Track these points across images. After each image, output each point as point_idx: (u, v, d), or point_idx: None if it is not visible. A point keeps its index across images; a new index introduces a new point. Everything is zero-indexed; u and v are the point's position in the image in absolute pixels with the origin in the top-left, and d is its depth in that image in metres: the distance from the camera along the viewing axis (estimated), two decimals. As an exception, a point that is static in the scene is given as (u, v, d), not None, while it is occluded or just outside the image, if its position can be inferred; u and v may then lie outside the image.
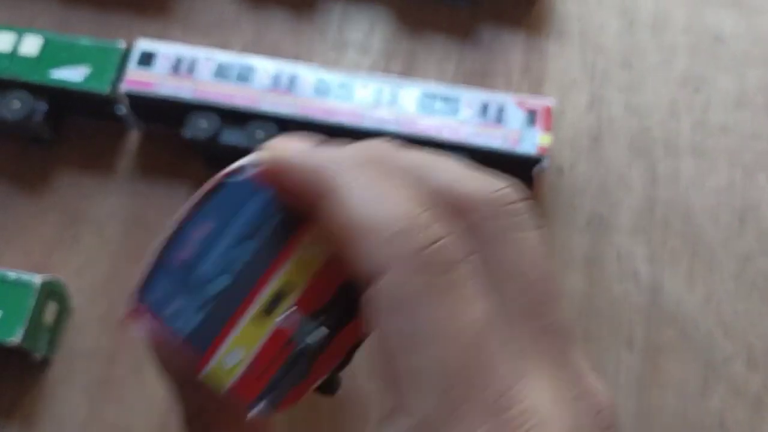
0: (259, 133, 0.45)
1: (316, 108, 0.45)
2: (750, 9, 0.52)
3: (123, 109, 0.48)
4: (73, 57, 0.48)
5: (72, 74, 0.47)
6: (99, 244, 0.47)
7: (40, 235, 0.48)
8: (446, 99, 0.45)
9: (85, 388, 0.44)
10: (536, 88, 0.51)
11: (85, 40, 0.48)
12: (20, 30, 0.49)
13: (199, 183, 0.52)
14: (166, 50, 0.48)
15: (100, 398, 0.44)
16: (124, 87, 0.47)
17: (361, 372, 0.43)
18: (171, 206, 0.48)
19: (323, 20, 0.53)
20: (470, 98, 0.45)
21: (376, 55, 0.52)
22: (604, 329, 0.44)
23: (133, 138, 0.50)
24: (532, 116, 0.45)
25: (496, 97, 0.45)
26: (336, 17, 0.53)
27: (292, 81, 0.46)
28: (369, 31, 0.53)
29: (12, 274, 0.42)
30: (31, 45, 0.48)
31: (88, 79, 0.47)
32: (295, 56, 0.52)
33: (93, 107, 0.49)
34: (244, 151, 0.46)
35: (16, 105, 0.47)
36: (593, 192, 0.48)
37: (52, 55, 0.48)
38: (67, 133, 0.51)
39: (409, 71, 0.51)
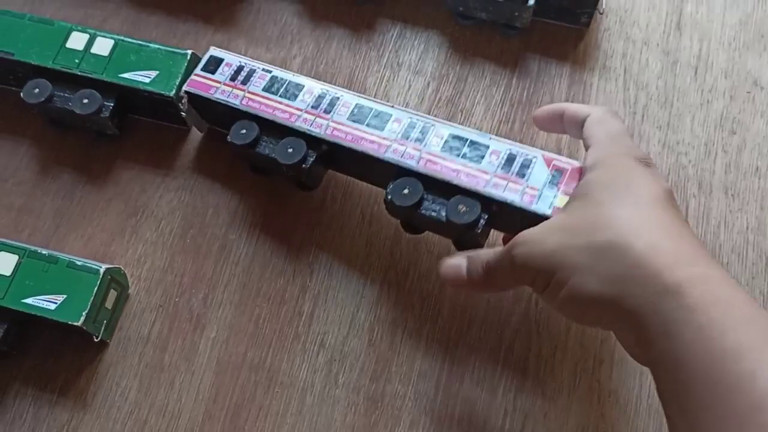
0: (289, 149, 0.46)
1: (345, 133, 0.46)
2: (789, 58, 0.54)
3: (183, 107, 0.51)
4: (141, 60, 0.51)
5: (140, 76, 0.50)
6: (156, 237, 0.50)
7: (102, 226, 0.51)
8: (474, 145, 0.44)
9: (137, 372, 0.47)
10: (578, 120, 0.53)
11: (154, 45, 0.51)
12: (93, 31, 0.52)
13: (253, 188, 0.56)
14: (231, 59, 0.50)
15: (151, 383, 0.46)
16: (186, 87, 0.50)
17: (395, 377, 0.46)
18: (226, 206, 0.51)
19: (380, 41, 0.56)
20: (499, 147, 0.44)
21: (428, 77, 0.54)
22: (629, 354, 0.46)
23: (194, 140, 0.53)
24: (557, 176, 0.42)
25: (526, 151, 0.43)
26: (392, 39, 0.56)
27: (332, 104, 0.47)
28: (423, 54, 0.55)
29: (79, 261, 0.45)
30: (102, 46, 0.51)
31: (154, 81, 0.50)
32: (351, 73, 0.55)
33: (157, 108, 0.52)
34: (274, 162, 0.47)
35: (85, 100, 0.50)
36: (627, 223, 0.50)
37: (122, 56, 0.51)
38: (131, 131, 0.54)
39: (458, 95, 0.54)
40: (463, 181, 0.43)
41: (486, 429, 0.45)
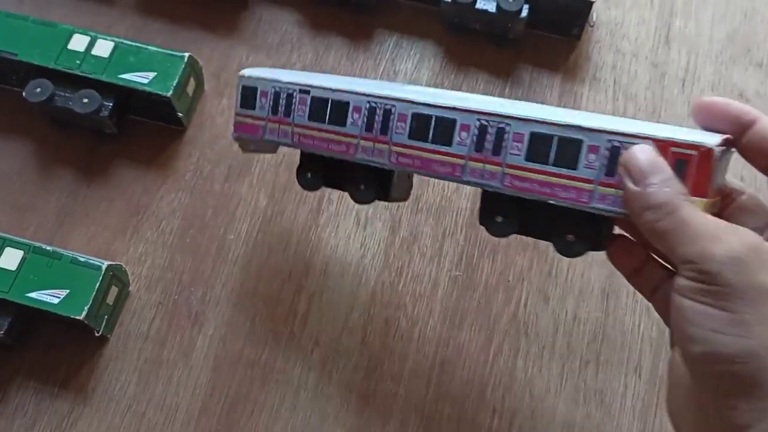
0: (362, 186, 0.42)
1: (411, 158, 0.38)
2: (774, 71, 0.56)
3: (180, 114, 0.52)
4: (140, 61, 0.52)
5: (138, 77, 0.52)
6: (157, 236, 0.52)
7: (105, 224, 0.52)
8: (565, 143, 0.34)
9: (136, 367, 0.48)
10: (569, 129, 0.55)
11: (152, 47, 0.53)
12: (95, 34, 0.54)
13: (250, 189, 0.56)
14: (265, 86, 0.43)
15: (149, 377, 0.48)
16: (234, 133, 0.45)
17: (387, 375, 0.47)
18: (224, 207, 0.52)
19: (377, 50, 0.57)
20: (597, 141, 0.33)
21: (423, 85, 0.56)
22: (615, 355, 0.48)
23: (192, 141, 0.55)
24: (681, 169, 0.33)
25: (630, 138, 0.32)
26: (389, 48, 0.58)
27: (387, 119, 0.38)
28: (419, 63, 0.57)
29: (82, 257, 0.47)
30: (103, 48, 0.53)
31: (152, 82, 0.52)
32: (349, 81, 0.57)
33: (155, 109, 0.53)
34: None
35: (85, 100, 0.52)
36: (614, 229, 0.51)
37: (121, 58, 0.52)
38: (131, 131, 0.55)
39: (452, 103, 0.56)
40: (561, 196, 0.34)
41: (475, 427, 0.46)
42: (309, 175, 0.44)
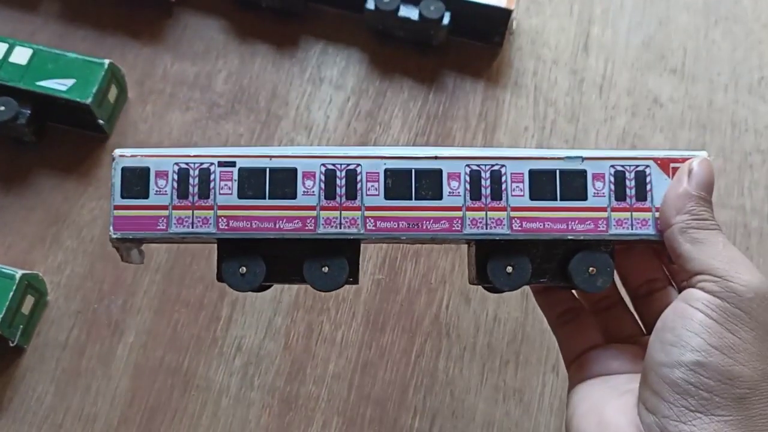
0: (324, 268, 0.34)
1: (395, 220, 0.34)
2: (688, 77, 0.58)
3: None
4: (59, 69, 0.52)
5: (57, 84, 0.52)
6: (77, 245, 0.51)
7: (23, 233, 0.51)
8: (570, 176, 0.35)
9: (54, 377, 0.47)
10: (491, 133, 0.56)
11: (72, 54, 0.52)
12: (13, 41, 0.53)
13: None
14: (163, 163, 0.34)
15: (67, 387, 0.47)
16: (114, 232, 0.34)
17: (309, 379, 0.47)
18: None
19: (303, 56, 0.58)
20: (600, 168, 0.35)
21: (348, 91, 0.57)
22: (534, 354, 0.49)
23: (113, 148, 0.54)
24: None
25: (635, 162, 0.35)
26: (315, 55, 0.58)
27: (352, 179, 0.34)
28: (344, 70, 0.58)
29: (-5, 267, 0.46)
30: (21, 55, 0.52)
31: (71, 89, 0.51)
32: (275, 87, 0.57)
33: (75, 116, 0.53)
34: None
35: (2, 108, 0.51)
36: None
37: (40, 65, 0.52)
38: (50, 139, 0.54)
39: (377, 109, 0.56)
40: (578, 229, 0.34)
41: (396, 427, 0.47)
42: (244, 270, 0.34)
